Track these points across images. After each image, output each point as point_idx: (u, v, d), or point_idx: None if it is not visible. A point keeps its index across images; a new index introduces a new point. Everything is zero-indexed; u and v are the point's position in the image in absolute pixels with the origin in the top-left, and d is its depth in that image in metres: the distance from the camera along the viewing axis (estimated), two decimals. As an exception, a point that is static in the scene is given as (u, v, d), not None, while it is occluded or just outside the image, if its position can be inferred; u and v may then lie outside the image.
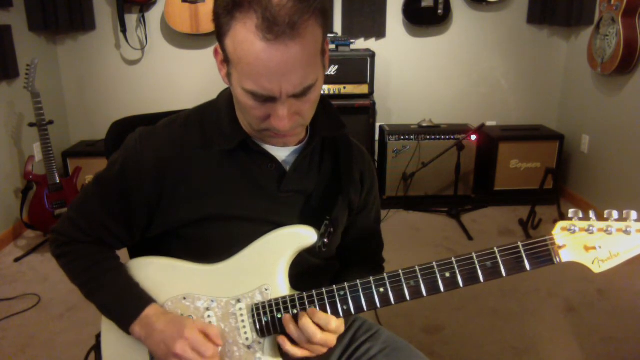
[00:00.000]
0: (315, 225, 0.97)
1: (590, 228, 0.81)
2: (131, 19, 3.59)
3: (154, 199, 0.97)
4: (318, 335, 0.90)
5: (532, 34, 3.74)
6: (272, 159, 0.98)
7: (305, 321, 0.90)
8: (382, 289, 0.90)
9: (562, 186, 3.71)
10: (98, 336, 1.08)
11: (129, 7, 3.54)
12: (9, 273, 2.75)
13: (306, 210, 1.01)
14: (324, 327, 0.91)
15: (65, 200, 2.94)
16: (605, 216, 0.82)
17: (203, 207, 0.96)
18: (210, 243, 0.98)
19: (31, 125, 2.93)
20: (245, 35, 0.79)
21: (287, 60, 0.79)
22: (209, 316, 0.96)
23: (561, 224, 0.83)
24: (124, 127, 1.11)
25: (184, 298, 0.97)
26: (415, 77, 3.80)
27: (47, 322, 2.31)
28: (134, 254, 1.06)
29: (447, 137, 3.46)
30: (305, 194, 1.01)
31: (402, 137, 3.47)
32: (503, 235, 3.18)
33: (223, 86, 0.98)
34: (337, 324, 0.92)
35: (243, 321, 0.95)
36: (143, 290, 0.99)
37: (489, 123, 3.79)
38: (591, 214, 0.83)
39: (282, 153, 0.99)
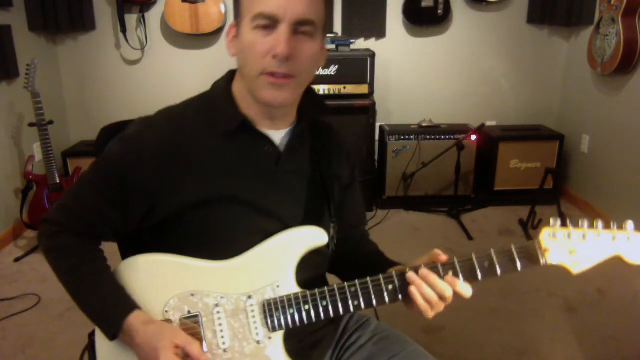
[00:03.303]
0: (312, 206, 1.05)
1: (569, 234, 0.93)
2: (131, 19, 3.59)
3: (154, 183, 0.96)
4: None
5: (532, 34, 3.74)
6: (269, 141, 1.02)
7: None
8: (390, 287, 0.94)
9: (562, 186, 3.71)
10: (91, 335, 1.08)
11: (129, 7, 3.54)
12: (9, 273, 2.75)
13: (302, 190, 1.06)
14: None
15: (65, 200, 2.94)
16: (594, 226, 0.92)
17: (205, 188, 0.97)
18: (212, 229, 0.99)
19: (31, 125, 2.93)
20: None
21: None
22: (218, 312, 0.97)
23: (546, 230, 0.94)
24: (114, 133, 1.10)
25: (192, 295, 0.97)
26: (415, 77, 3.80)
27: (47, 322, 2.31)
28: (126, 255, 1.03)
29: (447, 137, 3.46)
30: (299, 174, 1.06)
31: (402, 137, 3.47)
32: (503, 235, 3.18)
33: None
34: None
35: (254, 317, 0.97)
36: (127, 295, 0.97)
37: (489, 123, 3.79)
38: (569, 223, 0.92)
39: (276, 136, 1.03)
